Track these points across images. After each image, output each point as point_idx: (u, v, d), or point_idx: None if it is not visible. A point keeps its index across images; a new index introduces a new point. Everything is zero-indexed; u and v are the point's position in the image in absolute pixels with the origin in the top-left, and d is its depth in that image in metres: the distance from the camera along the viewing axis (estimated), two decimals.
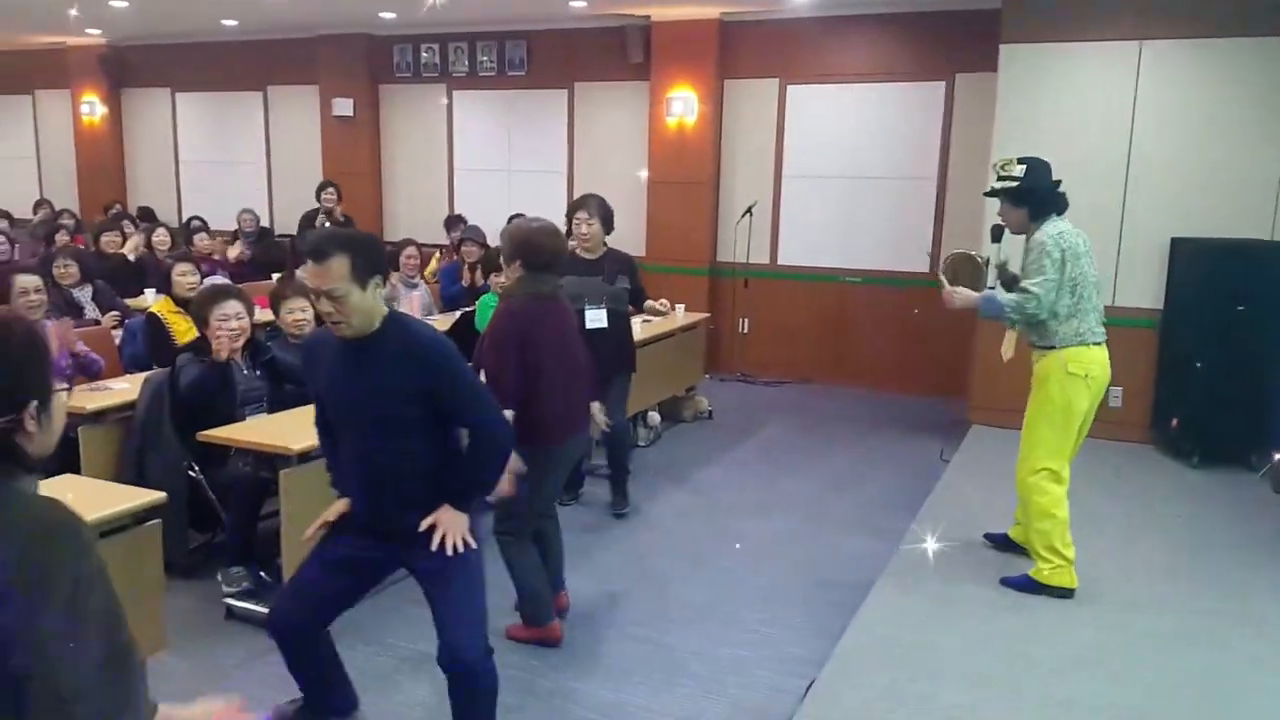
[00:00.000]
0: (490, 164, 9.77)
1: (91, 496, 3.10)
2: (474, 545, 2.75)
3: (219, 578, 4.03)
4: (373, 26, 9.65)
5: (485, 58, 9.59)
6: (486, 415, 2.76)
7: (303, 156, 10.37)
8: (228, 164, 11.02)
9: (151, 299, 6.54)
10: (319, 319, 3.63)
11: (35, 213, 10.61)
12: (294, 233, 9.17)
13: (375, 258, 2.68)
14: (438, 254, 8.64)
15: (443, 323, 5.82)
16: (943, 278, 4.36)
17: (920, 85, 7.88)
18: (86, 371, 4.67)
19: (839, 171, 8.22)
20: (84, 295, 6.03)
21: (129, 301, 6.49)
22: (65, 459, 4.02)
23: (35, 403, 1.63)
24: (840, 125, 8.19)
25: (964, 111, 7.72)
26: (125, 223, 8.63)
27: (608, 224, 5.04)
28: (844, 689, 3.36)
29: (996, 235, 4.38)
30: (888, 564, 4.41)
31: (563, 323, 3.68)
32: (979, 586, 4.18)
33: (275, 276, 7.29)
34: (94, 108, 11.39)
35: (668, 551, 4.76)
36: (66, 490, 3.16)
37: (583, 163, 9.27)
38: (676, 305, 6.57)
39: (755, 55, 8.37)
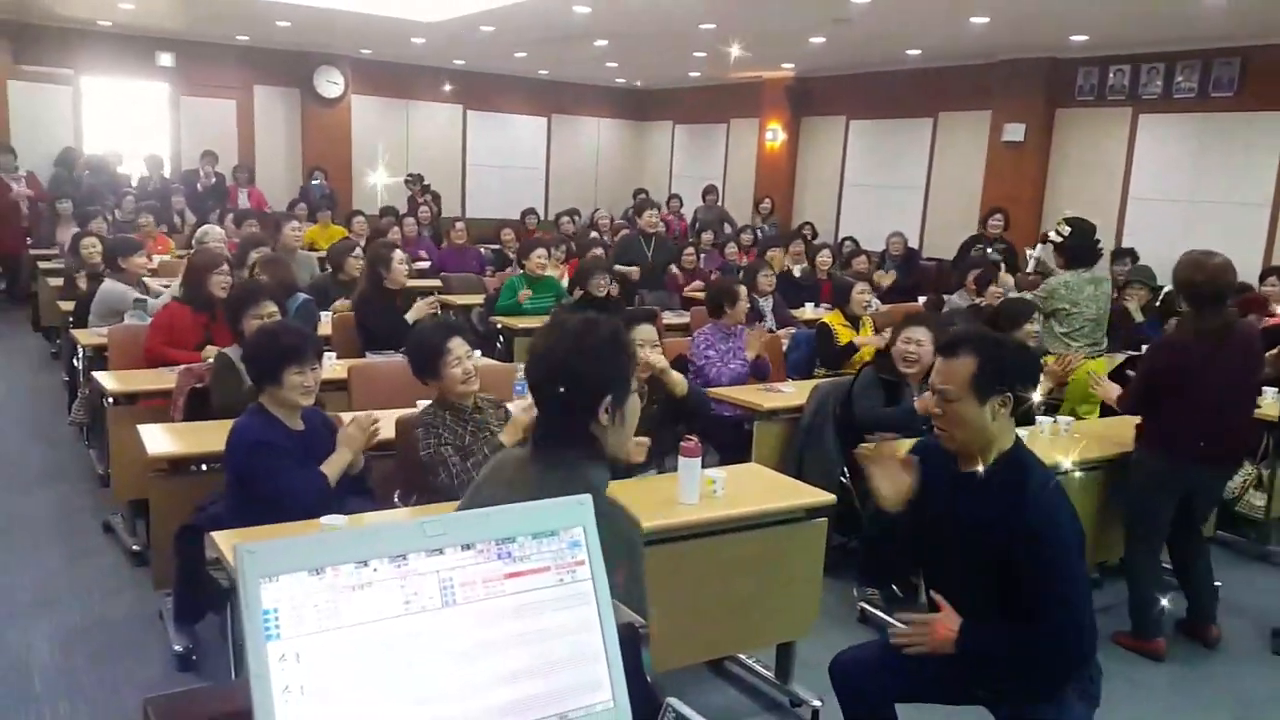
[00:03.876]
0: (1171, 193, 8.75)
1: (772, 487, 3.36)
2: None
3: (854, 590, 4.13)
4: (1058, 49, 9.24)
5: (1182, 78, 8.60)
6: (1058, 621, 2.20)
7: (964, 182, 10.36)
8: (888, 188, 11.48)
9: (811, 311, 7.11)
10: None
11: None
12: (946, 257, 9.20)
13: (1007, 371, 2.30)
14: None
15: None
16: None
17: None
18: (759, 373, 5.14)
19: None
20: (766, 305, 6.69)
21: (794, 312, 7.06)
22: (739, 448, 4.49)
23: (609, 398, 1.71)
24: None
25: None
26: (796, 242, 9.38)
27: None
28: None
29: None
30: None
31: (1229, 363, 3.58)
32: None
33: (920, 300, 7.37)
34: (776, 134, 12.69)
35: None
36: (753, 478, 3.50)
37: None
38: None
39: None
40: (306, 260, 7.03)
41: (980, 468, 2.30)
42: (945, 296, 7.29)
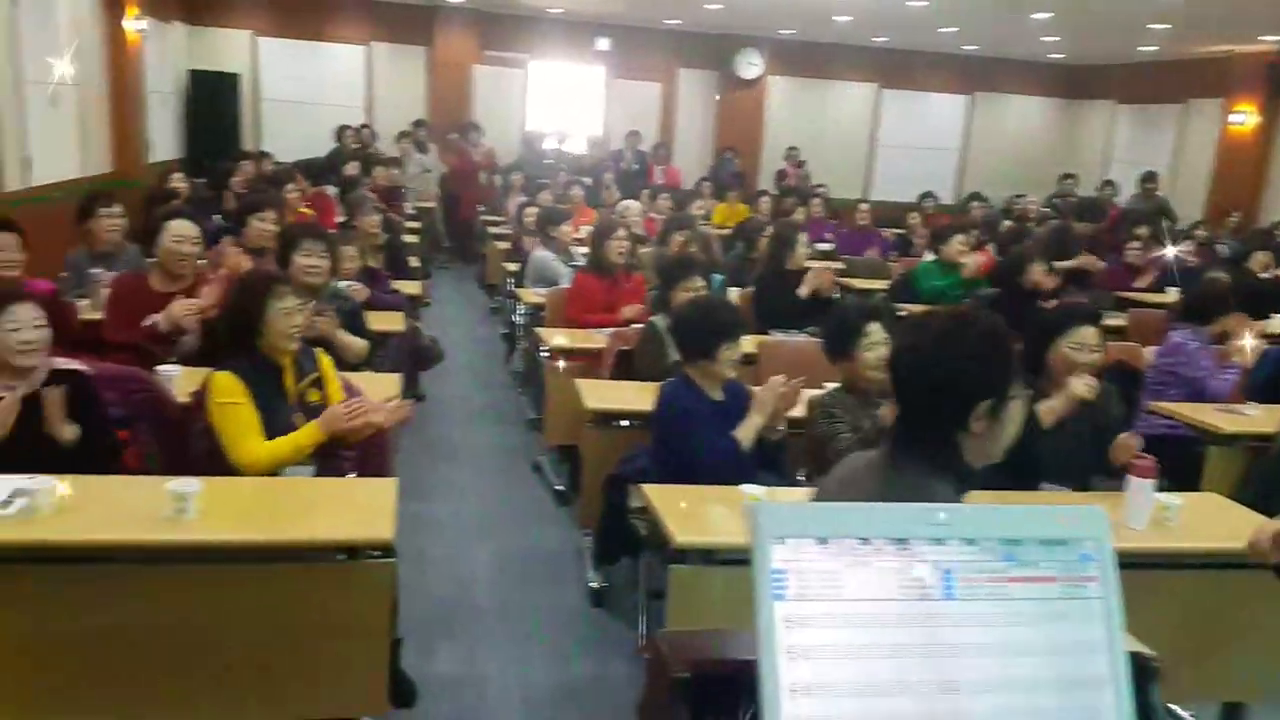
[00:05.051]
0: None
1: (1236, 522, 2.88)
2: None
3: None
4: None
5: None
6: None
7: None
8: None
9: None
10: None
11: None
12: None
13: None
14: None
15: None
16: None
17: None
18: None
19: None
20: None
21: (1262, 324, 6.07)
22: (1184, 472, 3.93)
23: (987, 404, 1.47)
24: None
25: None
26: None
27: None
28: None
29: None
30: None
31: None
32: None
33: None
34: (1246, 118, 11.00)
35: None
36: (1213, 509, 3.04)
37: None
38: None
39: None
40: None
41: None
42: None
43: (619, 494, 3.35)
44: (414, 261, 6.90)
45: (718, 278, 5.02)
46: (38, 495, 2.23)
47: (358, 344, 3.94)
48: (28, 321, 2.65)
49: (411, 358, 5.07)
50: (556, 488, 4.68)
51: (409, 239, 7.73)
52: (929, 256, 6.60)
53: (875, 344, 3.19)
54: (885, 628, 1.02)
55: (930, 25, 11.08)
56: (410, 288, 5.65)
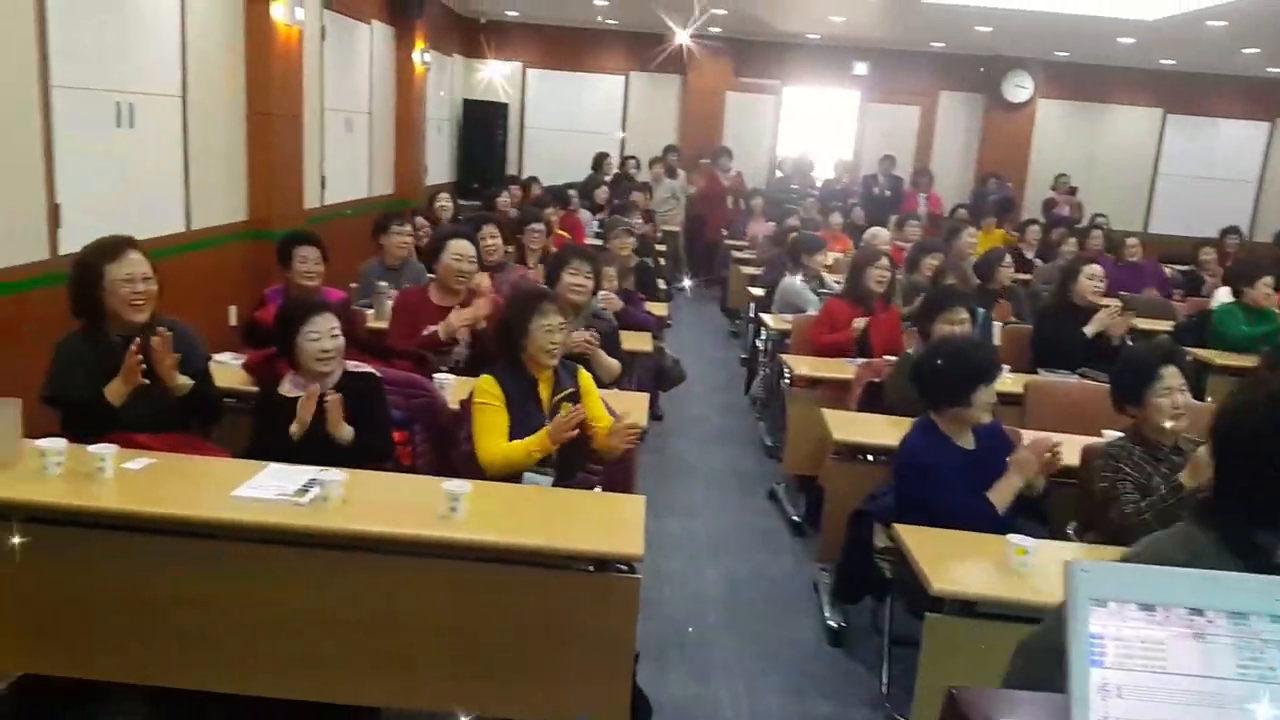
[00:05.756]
0: None
1: None
2: None
3: None
4: None
5: None
6: None
7: None
8: None
9: None
10: None
11: None
12: None
13: None
14: None
15: None
16: None
17: None
18: None
19: None
20: None
21: None
22: None
23: None
24: None
25: None
26: None
27: None
28: None
29: None
30: None
31: None
32: None
33: None
34: None
35: None
36: None
37: None
38: None
39: None
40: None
41: None
42: None
43: (864, 531, 3.23)
44: (660, 284, 7.04)
45: (980, 311, 4.76)
46: (329, 487, 2.44)
47: (614, 366, 4.05)
48: (326, 331, 2.91)
49: (655, 377, 5.16)
50: (793, 518, 4.59)
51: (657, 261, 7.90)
52: (1223, 297, 5.95)
53: (1171, 390, 2.90)
54: (1218, 709, 0.90)
55: (1229, 47, 10.09)
56: (657, 309, 5.76)
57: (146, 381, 2.82)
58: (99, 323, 2.91)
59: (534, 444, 2.91)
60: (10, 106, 4.07)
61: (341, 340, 2.96)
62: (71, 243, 4.32)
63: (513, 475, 2.92)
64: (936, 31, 11.22)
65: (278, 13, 6.16)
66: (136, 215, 4.98)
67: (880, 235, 7.21)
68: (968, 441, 3.05)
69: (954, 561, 2.58)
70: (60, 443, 2.53)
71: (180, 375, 2.92)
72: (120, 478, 2.52)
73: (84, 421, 2.79)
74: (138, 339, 2.82)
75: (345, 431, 2.89)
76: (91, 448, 2.53)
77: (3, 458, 2.52)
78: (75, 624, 2.47)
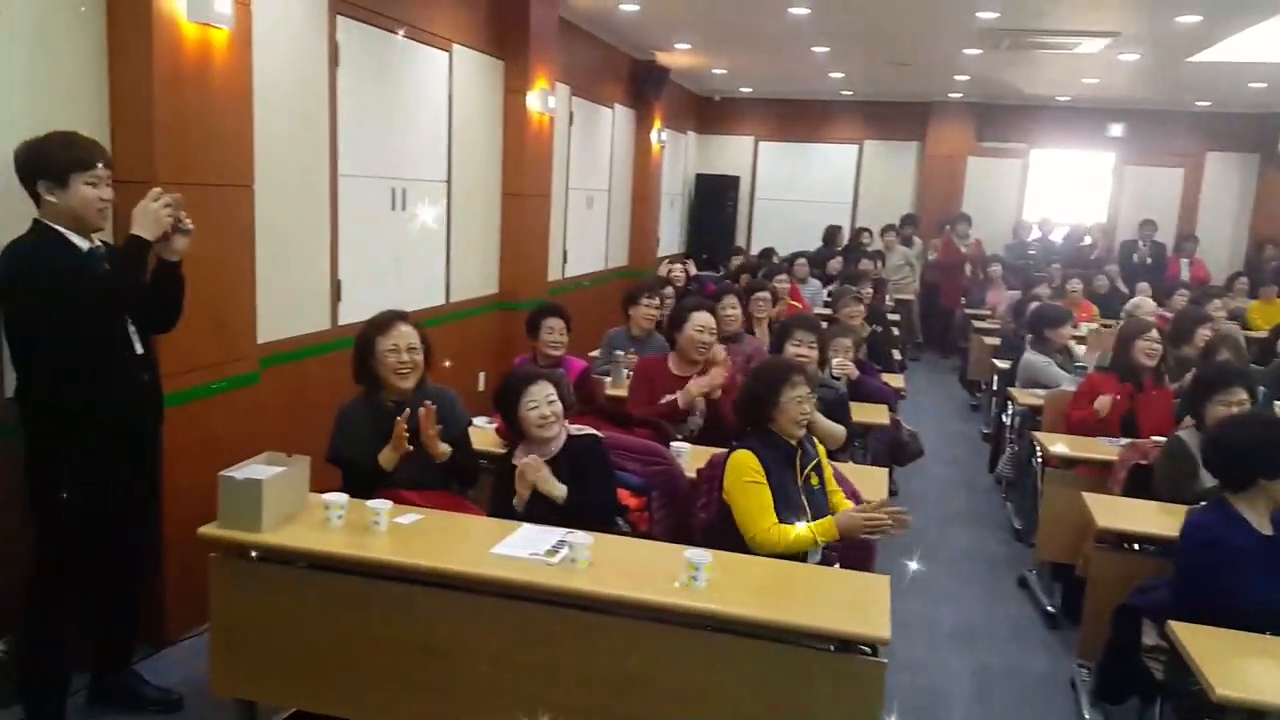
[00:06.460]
0: None
1: None
2: None
3: None
4: None
5: None
6: None
7: None
8: None
9: None
10: None
11: None
12: None
13: None
14: None
15: None
16: None
17: None
18: None
19: None
20: None
21: None
22: None
23: None
24: None
25: None
26: None
27: None
28: None
29: None
30: None
31: None
32: None
33: None
34: None
35: None
36: None
37: None
38: None
39: None
40: None
41: None
42: None
43: (1131, 627, 2.95)
44: (895, 354, 6.85)
45: (1262, 390, 4.29)
46: (577, 549, 2.52)
47: (838, 431, 3.97)
48: (543, 399, 3.05)
49: (890, 451, 4.99)
50: (1047, 608, 4.27)
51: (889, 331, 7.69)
52: None
53: None
54: None
55: None
56: (893, 380, 5.59)
57: (412, 449, 3.07)
58: (375, 389, 3.20)
59: (820, 531, 2.86)
60: (307, 196, 4.58)
61: (559, 405, 3.08)
62: (348, 314, 4.78)
63: None
64: (1202, 90, 10.43)
65: (533, 102, 6.60)
66: (405, 289, 5.45)
67: (1145, 305, 6.69)
68: (1265, 526, 2.76)
69: (1240, 663, 2.33)
70: (343, 497, 2.78)
71: (441, 443, 3.15)
72: (392, 531, 2.72)
73: (359, 480, 3.06)
74: (406, 409, 3.06)
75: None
76: (369, 503, 2.76)
77: (293, 509, 2.79)
78: (343, 665, 2.66)
